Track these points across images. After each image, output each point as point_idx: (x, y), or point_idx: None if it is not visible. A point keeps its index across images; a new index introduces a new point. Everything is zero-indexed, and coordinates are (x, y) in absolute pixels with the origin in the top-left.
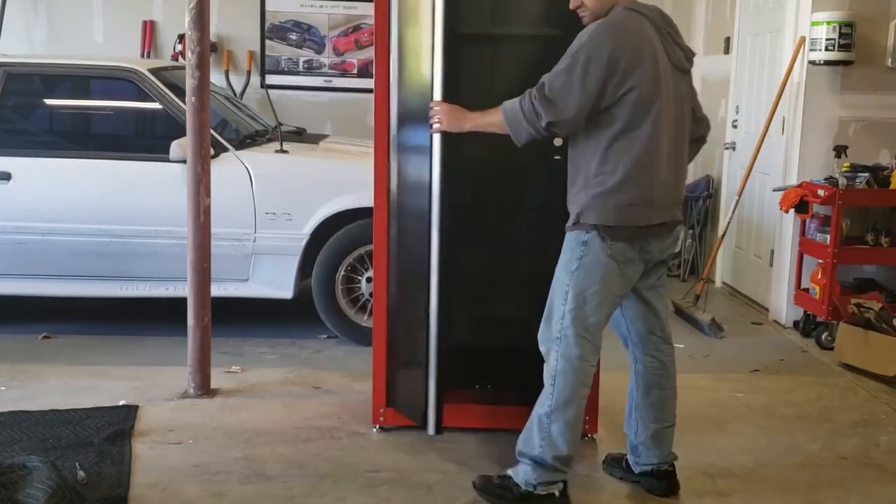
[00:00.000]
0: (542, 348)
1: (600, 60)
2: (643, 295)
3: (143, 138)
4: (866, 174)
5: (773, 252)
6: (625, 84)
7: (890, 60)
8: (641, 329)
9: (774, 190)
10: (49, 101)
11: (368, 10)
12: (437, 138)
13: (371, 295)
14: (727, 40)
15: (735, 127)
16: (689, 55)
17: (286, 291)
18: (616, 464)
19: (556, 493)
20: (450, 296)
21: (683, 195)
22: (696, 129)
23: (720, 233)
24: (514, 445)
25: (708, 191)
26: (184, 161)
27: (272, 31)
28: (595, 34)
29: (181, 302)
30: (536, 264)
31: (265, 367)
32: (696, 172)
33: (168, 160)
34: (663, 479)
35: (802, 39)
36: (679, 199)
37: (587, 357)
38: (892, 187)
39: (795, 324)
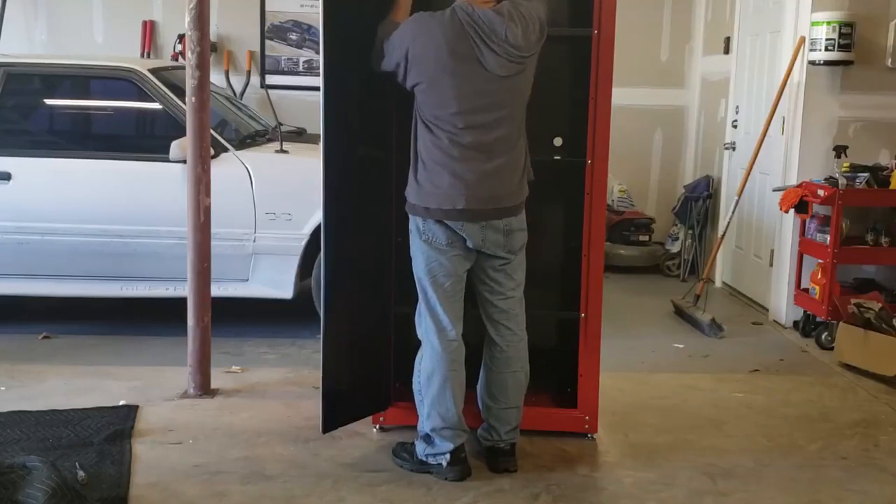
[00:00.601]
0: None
1: (402, 42)
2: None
3: (143, 138)
4: (866, 174)
5: (773, 252)
6: (411, 74)
7: (890, 60)
8: (482, 310)
9: (774, 190)
10: (49, 101)
11: None
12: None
13: None
14: (727, 40)
15: (735, 127)
16: (513, 55)
17: (286, 291)
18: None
19: (444, 463)
20: None
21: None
22: None
23: (720, 233)
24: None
25: (708, 191)
26: (184, 161)
27: (272, 31)
28: (410, 19)
29: (181, 302)
30: (529, 262)
31: (265, 367)
32: (696, 172)
33: (168, 160)
34: (499, 457)
35: (802, 39)
36: (507, 189)
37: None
38: (892, 187)
39: (795, 324)
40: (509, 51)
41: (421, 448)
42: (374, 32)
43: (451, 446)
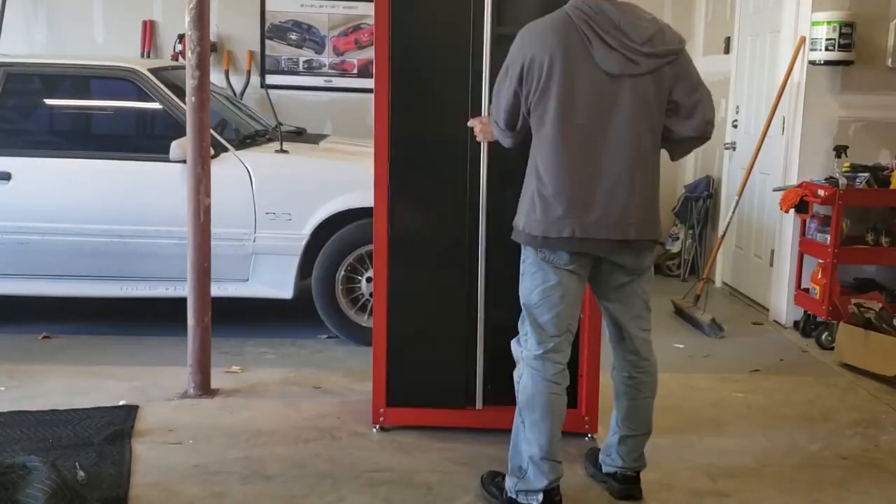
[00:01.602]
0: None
1: (514, 68)
2: (606, 305)
3: (143, 138)
4: (866, 174)
5: (773, 252)
6: (538, 92)
7: (890, 60)
8: (613, 337)
9: (774, 190)
10: (49, 101)
11: (368, 10)
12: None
13: (371, 295)
14: (727, 40)
15: (735, 127)
16: (642, 56)
17: (286, 291)
18: (592, 459)
19: (535, 503)
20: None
21: (649, 213)
22: (682, 129)
23: (720, 233)
24: None
25: (708, 191)
26: (184, 161)
27: (272, 31)
28: (516, 39)
29: (181, 302)
30: None
31: (265, 367)
32: (696, 172)
33: (168, 160)
34: (624, 484)
35: (802, 39)
36: (636, 218)
37: (544, 354)
38: (892, 187)
39: (795, 324)
40: (632, 48)
41: (511, 483)
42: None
43: (545, 482)
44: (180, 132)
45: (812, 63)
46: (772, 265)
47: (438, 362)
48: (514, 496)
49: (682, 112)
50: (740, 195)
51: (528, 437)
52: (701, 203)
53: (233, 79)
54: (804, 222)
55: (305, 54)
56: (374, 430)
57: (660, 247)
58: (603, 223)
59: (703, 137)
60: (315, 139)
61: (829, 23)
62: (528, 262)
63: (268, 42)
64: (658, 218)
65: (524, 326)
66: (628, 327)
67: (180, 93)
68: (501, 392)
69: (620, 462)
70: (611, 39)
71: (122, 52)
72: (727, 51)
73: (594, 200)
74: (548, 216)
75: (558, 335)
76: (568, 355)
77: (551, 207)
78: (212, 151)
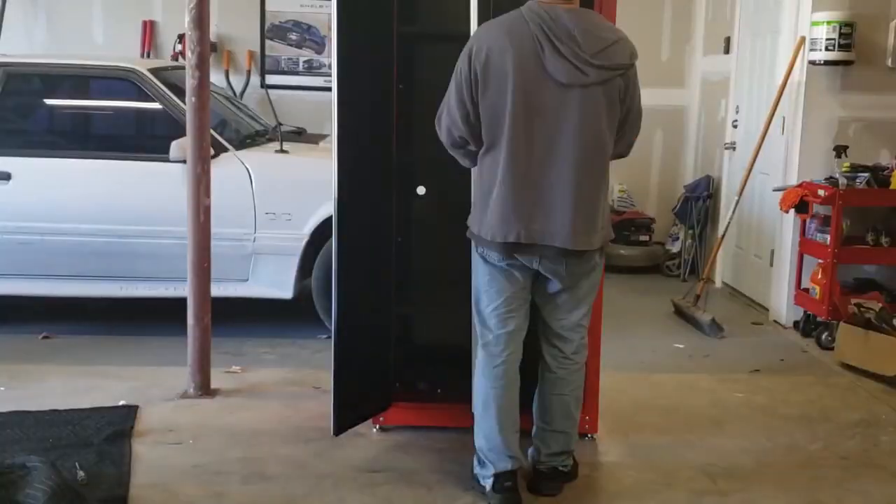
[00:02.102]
0: None
1: (464, 58)
2: (539, 307)
3: (143, 138)
4: (866, 174)
5: (773, 252)
6: (482, 93)
7: (890, 60)
8: (542, 330)
9: (774, 190)
10: (49, 101)
11: None
12: None
13: None
14: (727, 40)
15: (735, 127)
16: (592, 67)
17: (286, 291)
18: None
19: (487, 487)
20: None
21: (590, 224)
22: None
23: (720, 233)
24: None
25: (708, 191)
26: (184, 161)
27: (272, 31)
28: (472, 36)
29: (181, 302)
30: None
31: (265, 367)
32: (696, 172)
33: (168, 160)
34: (535, 477)
35: (802, 39)
36: (576, 228)
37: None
38: (892, 187)
39: (796, 324)
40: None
41: (474, 464)
42: (385, 28)
43: (490, 471)
44: (180, 132)
45: (812, 63)
46: (772, 265)
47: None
48: (474, 475)
49: (621, 127)
50: (740, 195)
51: (476, 425)
52: (701, 203)
53: (233, 79)
54: (804, 222)
55: (305, 54)
56: (374, 430)
57: (660, 247)
58: (546, 230)
59: (622, 156)
60: (315, 139)
61: (828, 23)
62: (474, 257)
63: (268, 42)
64: (598, 228)
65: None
66: (561, 329)
67: (180, 93)
68: None
69: (536, 454)
70: (563, 48)
71: (122, 52)
72: (727, 51)
73: (536, 208)
74: (492, 218)
75: (501, 330)
76: (517, 354)
77: (494, 210)
78: (212, 151)
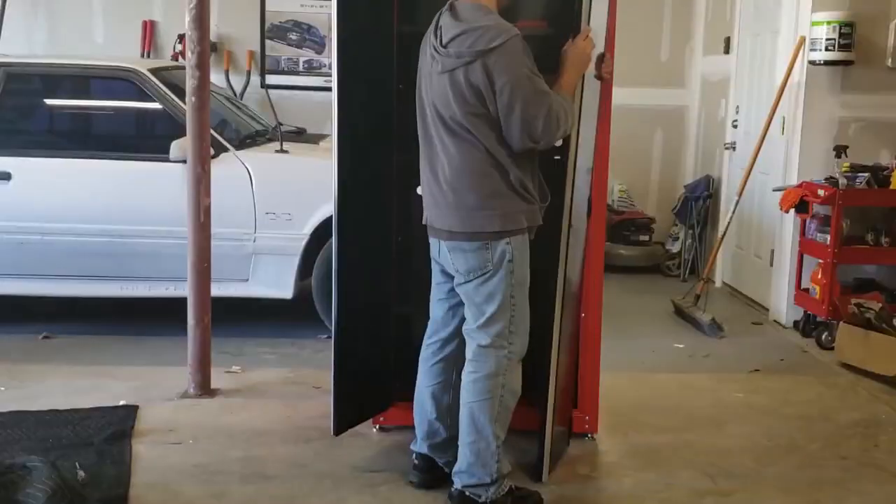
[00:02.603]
0: None
1: None
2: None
3: (143, 138)
4: (866, 174)
5: (773, 252)
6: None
7: (890, 60)
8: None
9: (774, 190)
10: (49, 101)
11: None
12: None
13: None
14: (727, 40)
15: (735, 127)
16: (442, 56)
17: (286, 291)
18: None
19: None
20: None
21: (465, 210)
22: (506, 134)
23: (720, 233)
24: (513, 445)
25: (708, 191)
26: (184, 161)
27: (272, 31)
28: None
29: (181, 302)
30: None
31: (265, 367)
32: (696, 172)
33: (168, 160)
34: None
35: (802, 39)
36: (450, 213)
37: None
38: (892, 187)
39: (795, 324)
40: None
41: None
42: (385, 27)
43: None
44: (180, 132)
45: (812, 63)
46: (772, 265)
47: None
48: None
49: (501, 116)
50: (740, 195)
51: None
52: (701, 203)
53: (233, 79)
54: (804, 222)
55: (305, 54)
56: (374, 430)
57: (660, 247)
58: (432, 214)
59: (528, 147)
60: (315, 139)
61: (828, 23)
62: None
63: (268, 42)
64: (479, 215)
65: None
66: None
67: (180, 93)
68: None
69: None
70: (432, 39)
71: (122, 52)
72: (727, 51)
73: (427, 193)
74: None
75: (434, 317)
76: (445, 347)
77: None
78: (212, 151)
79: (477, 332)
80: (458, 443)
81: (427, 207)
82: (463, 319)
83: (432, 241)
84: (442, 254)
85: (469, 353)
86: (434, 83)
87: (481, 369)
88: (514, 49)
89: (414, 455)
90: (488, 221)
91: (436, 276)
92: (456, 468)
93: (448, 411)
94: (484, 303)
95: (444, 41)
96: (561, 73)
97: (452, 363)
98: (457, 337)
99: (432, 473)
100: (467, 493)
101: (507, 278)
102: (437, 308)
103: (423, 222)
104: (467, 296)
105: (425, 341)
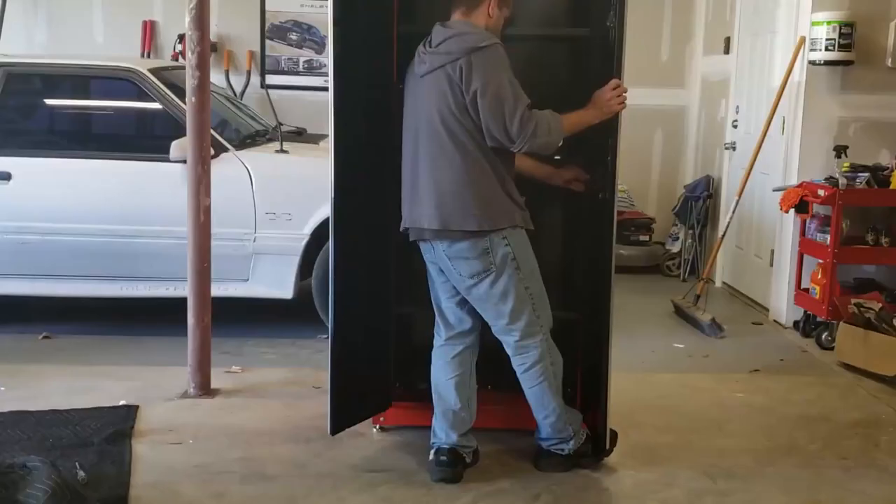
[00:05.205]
0: None
1: None
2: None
3: (143, 138)
4: (866, 174)
5: (773, 252)
6: None
7: (890, 60)
8: None
9: (774, 190)
10: (49, 101)
11: None
12: None
13: None
14: (727, 40)
15: (735, 127)
16: (428, 55)
17: (286, 291)
18: None
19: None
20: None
21: (449, 208)
22: (487, 132)
23: (720, 233)
24: (514, 444)
25: (708, 191)
26: (184, 161)
27: (272, 31)
28: None
29: (181, 302)
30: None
31: (265, 367)
32: (696, 172)
33: (168, 160)
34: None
35: (802, 39)
36: (435, 211)
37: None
38: (892, 187)
39: (795, 324)
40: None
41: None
42: (384, 27)
43: (431, 443)
44: (180, 132)
45: (812, 63)
46: (772, 265)
47: None
48: None
49: (481, 112)
50: (740, 195)
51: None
52: (701, 203)
53: (233, 79)
54: (804, 222)
55: (305, 54)
56: (374, 430)
57: (660, 247)
58: (415, 214)
59: (506, 147)
60: (315, 139)
61: (828, 23)
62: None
63: (268, 42)
64: (466, 213)
65: None
66: None
67: (180, 93)
68: (499, 392)
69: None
70: (422, 47)
71: (122, 52)
72: (727, 51)
73: (409, 192)
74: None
75: (441, 318)
76: (463, 341)
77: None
78: (212, 151)
79: (506, 332)
80: (533, 415)
81: (414, 212)
82: (473, 309)
83: (424, 245)
84: (438, 254)
85: (508, 350)
86: (421, 89)
87: (527, 360)
88: (499, 54)
89: (437, 451)
90: (485, 220)
91: (437, 276)
92: (537, 436)
93: (470, 399)
94: (500, 302)
95: (433, 44)
96: (582, 108)
97: (471, 353)
98: (473, 330)
99: (460, 466)
100: (553, 451)
101: (515, 274)
102: (446, 309)
103: (404, 227)
104: (480, 300)
105: (438, 341)
